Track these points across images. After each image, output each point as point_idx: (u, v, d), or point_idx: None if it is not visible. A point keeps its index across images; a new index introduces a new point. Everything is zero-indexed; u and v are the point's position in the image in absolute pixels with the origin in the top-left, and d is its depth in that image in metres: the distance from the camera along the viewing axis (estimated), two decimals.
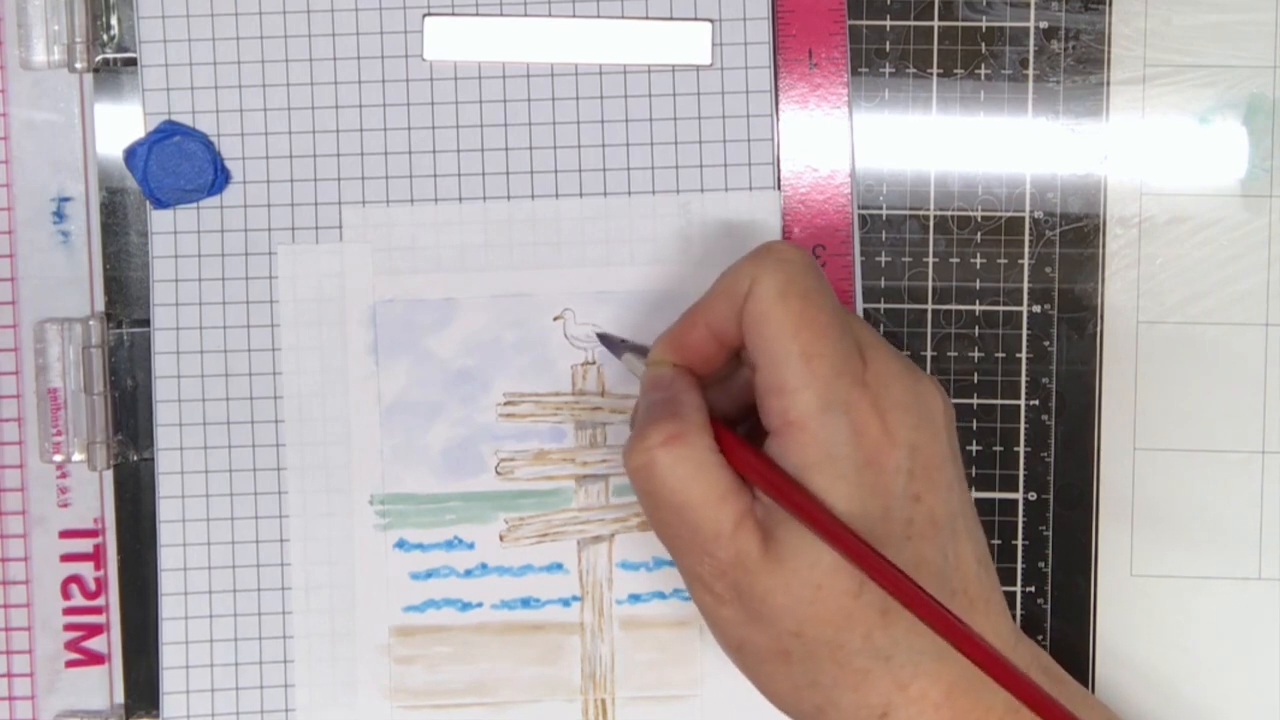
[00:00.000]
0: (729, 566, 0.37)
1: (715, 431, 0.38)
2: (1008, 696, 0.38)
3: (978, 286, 0.46)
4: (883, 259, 0.46)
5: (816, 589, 0.37)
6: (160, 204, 0.46)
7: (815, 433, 0.36)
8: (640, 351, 0.43)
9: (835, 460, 0.36)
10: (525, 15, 0.45)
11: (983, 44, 0.46)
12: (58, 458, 0.46)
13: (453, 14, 0.46)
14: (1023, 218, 0.46)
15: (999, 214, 0.46)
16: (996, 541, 0.46)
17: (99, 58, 0.46)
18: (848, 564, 0.36)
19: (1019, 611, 0.46)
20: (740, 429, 0.40)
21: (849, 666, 0.37)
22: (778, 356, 0.37)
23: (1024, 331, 0.46)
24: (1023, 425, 0.46)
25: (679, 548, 0.38)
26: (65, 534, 0.47)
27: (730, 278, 0.38)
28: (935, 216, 0.46)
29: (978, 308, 0.46)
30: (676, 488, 0.37)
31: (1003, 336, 0.46)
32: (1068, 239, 0.46)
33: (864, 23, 0.46)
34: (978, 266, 0.46)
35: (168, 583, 0.46)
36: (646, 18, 0.45)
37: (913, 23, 0.46)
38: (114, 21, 0.46)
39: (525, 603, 0.46)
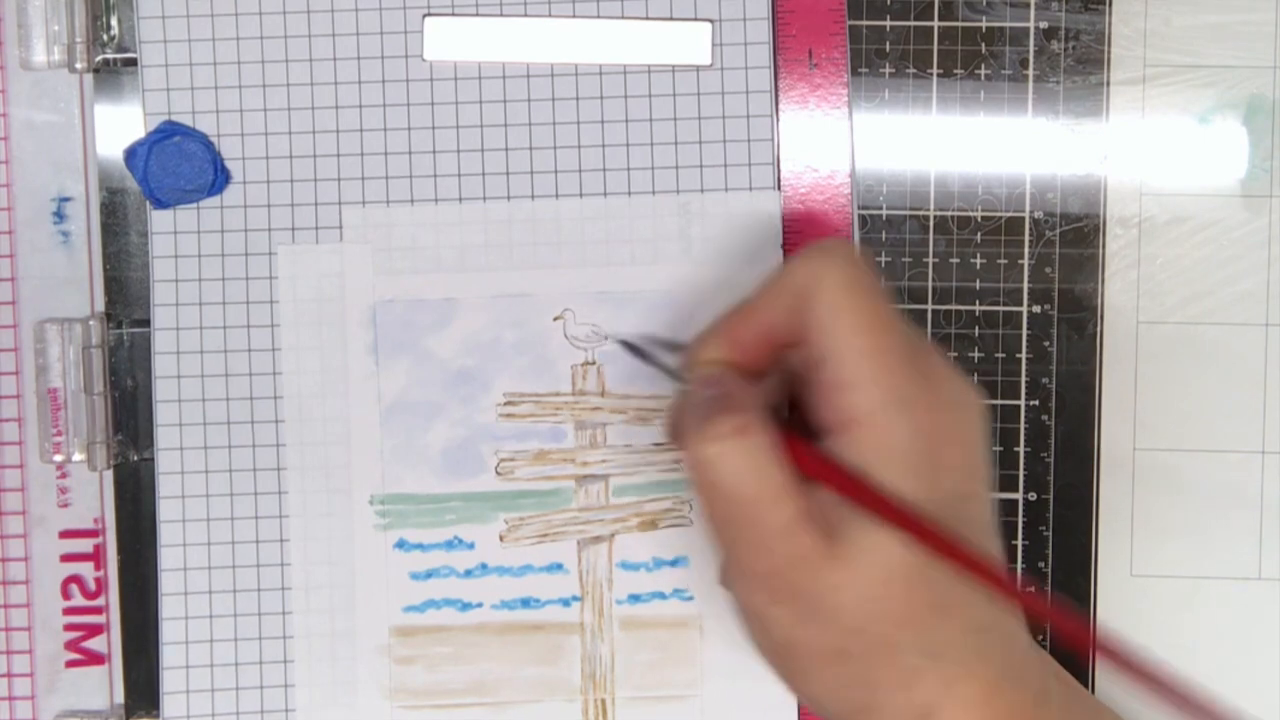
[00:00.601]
0: (788, 563, 0.37)
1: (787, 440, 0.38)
2: (1035, 691, 0.38)
3: (978, 287, 0.46)
4: (883, 259, 0.46)
5: (884, 585, 0.36)
6: (160, 204, 0.46)
7: (881, 429, 0.36)
8: (671, 348, 0.42)
9: (899, 457, 0.36)
10: (525, 15, 0.45)
11: (983, 44, 0.46)
12: (58, 458, 0.46)
13: (453, 14, 0.46)
14: (1023, 218, 0.46)
15: (999, 214, 0.46)
16: None
17: (99, 58, 0.46)
18: (912, 562, 0.36)
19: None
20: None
21: (901, 665, 0.37)
22: (845, 353, 0.37)
23: (1024, 331, 0.46)
24: (1022, 425, 0.46)
25: (736, 543, 0.38)
26: (65, 534, 0.47)
27: (790, 275, 0.38)
28: (935, 217, 0.46)
29: (978, 308, 0.46)
30: (741, 481, 0.37)
31: (1003, 337, 0.46)
32: (1068, 239, 0.46)
33: (864, 23, 0.46)
34: (978, 267, 0.46)
35: (168, 583, 0.46)
36: (646, 18, 0.45)
37: (913, 23, 0.46)
38: (114, 22, 0.46)
39: (525, 603, 0.46)
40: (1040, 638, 0.45)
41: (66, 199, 0.47)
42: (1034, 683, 0.38)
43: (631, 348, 0.45)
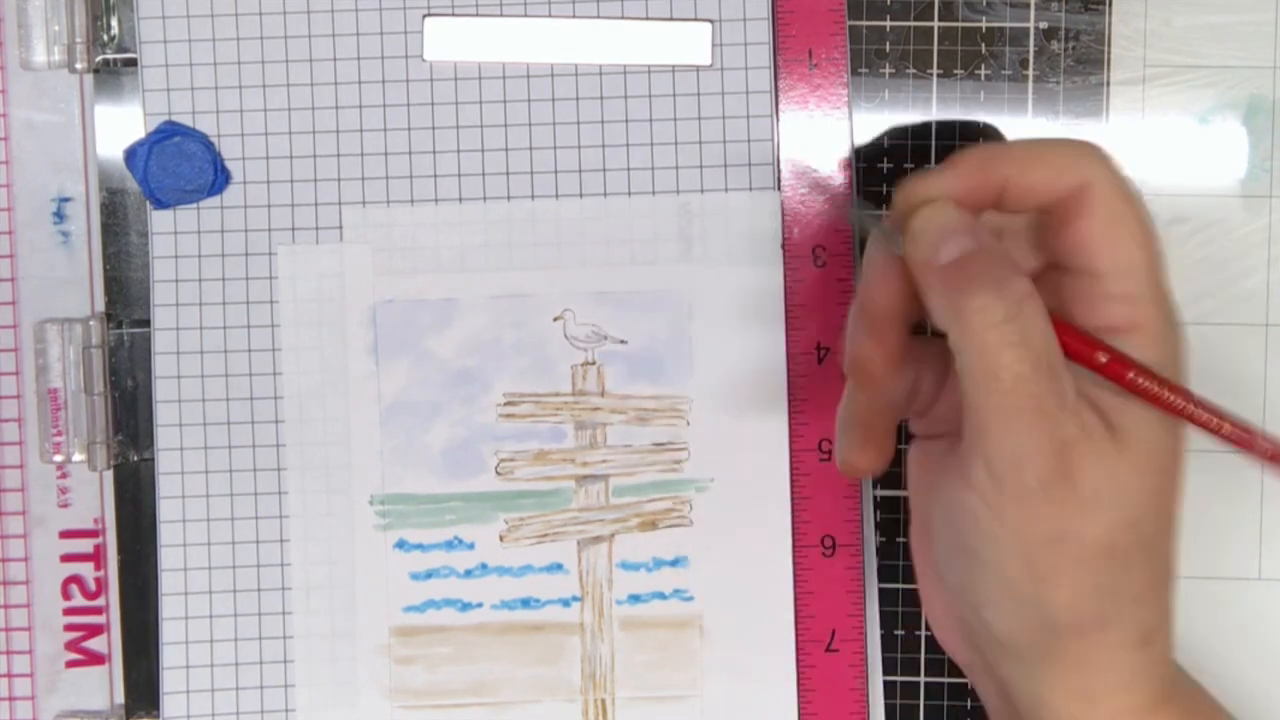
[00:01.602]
0: (1068, 441, 0.34)
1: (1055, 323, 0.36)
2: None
3: None
4: None
5: (1165, 477, 0.35)
6: (160, 204, 0.46)
7: (1161, 338, 0.36)
8: (877, 219, 0.38)
9: (1172, 367, 0.36)
10: (525, 16, 0.45)
11: (983, 45, 0.46)
12: (58, 458, 0.46)
13: (453, 14, 0.46)
14: None
15: None
16: None
17: (99, 58, 0.46)
18: (1174, 458, 0.36)
19: None
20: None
21: (1151, 575, 0.36)
22: (1126, 263, 0.35)
23: None
24: None
25: (1011, 412, 0.34)
26: (65, 534, 0.47)
27: (1054, 156, 0.36)
28: None
29: None
30: (1040, 342, 0.34)
31: None
32: None
33: (864, 23, 0.46)
34: None
35: (168, 583, 0.46)
36: (646, 18, 0.45)
37: (913, 23, 0.46)
38: (114, 22, 0.46)
39: (525, 603, 0.46)
40: None
41: (66, 199, 0.47)
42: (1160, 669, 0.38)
43: (850, 213, 0.43)
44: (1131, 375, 0.35)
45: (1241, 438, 0.35)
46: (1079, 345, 0.35)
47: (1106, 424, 0.35)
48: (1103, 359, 0.35)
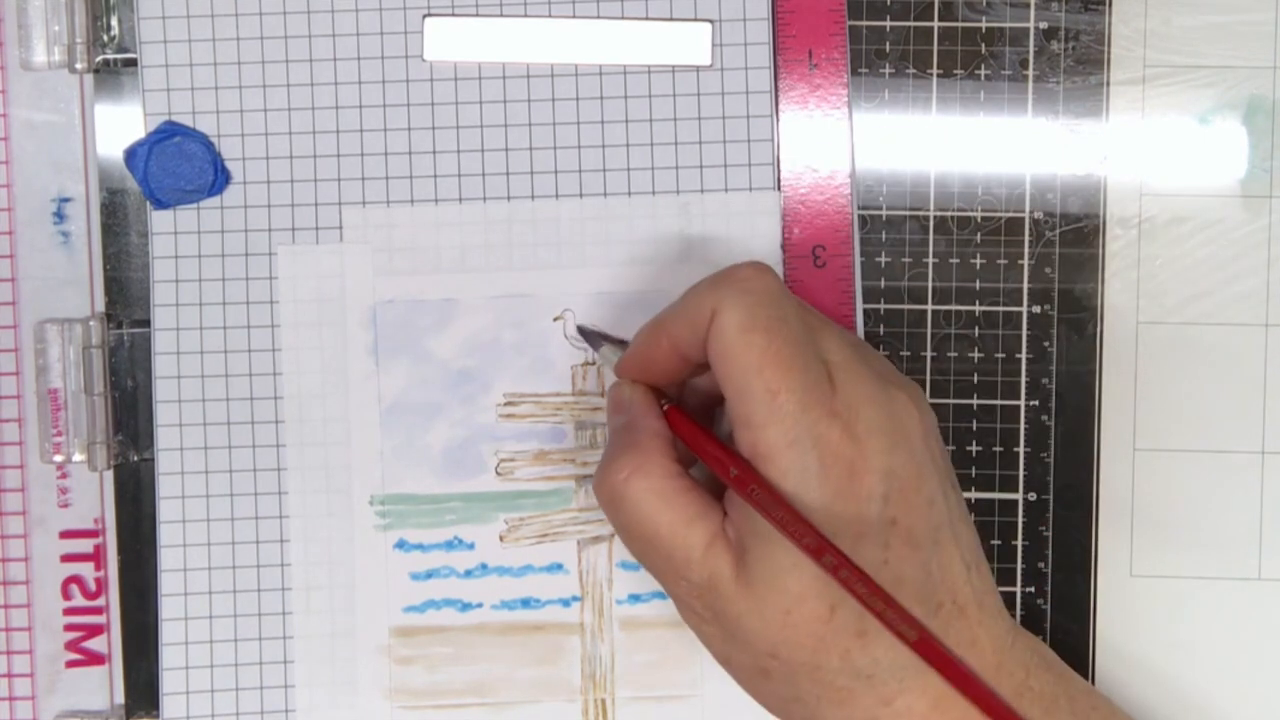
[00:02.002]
0: (703, 589, 0.38)
1: (689, 433, 0.39)
2: (1008, 689, 0.38)
3: (977, 287, 0.46)
4: (882, 259, 0.46)
5: (786, 614, 0.37)
6: (160, 204, 0.46)
7: (783, 467, 0.36)
8: (619, 345, 0.43)
9: (804, 492, 0.36)
10: (525, 16, 0.45)
11: (982, 45, 0.46)
12: (58, 458, 0.46)
13: (453, 14, 0.46)
14: (1023, 218, 0.46)
15: (999, 214, 0.46)
16: (996, 542, 0.46)
17: (99, 58, 0.46)
18: (817, 588, 0.36)
19: (1019, 612, 0.46)
20: (714, 417, 0.40)
21: (830, 685, 0.37)
22: (743, 391, 0.37)
23: (1024, 332, 0.46)
24: (1022, 426, 0.46)
25: (655, 571, 0.39)
26: (65, 534, 0.47)
27: (693, 302, 0.38)
28: (935, 217, 0.46)
29: (977, 308, 0.46)
30: (644, 518, 0.38)
31: (1002, 337, 0.46)
32: (1068, 239, 0.46)
33: (864, 23, 0.46)
34: (977, 267, 0.46)
35: (168, 583, 0.46)
36: (646, 18, 0.45)
37: (912, 23, 0.46)
38: (114, 22, 0.46)
39: (525, 603, 0.46)
40: (1040, 638, 0.45)
41: (66, 199, 0.47)
42: (1005, 681, 0.38)
43: (585, 333, 0.45)
44: (752, 489, 0.37)
45: (853, 584, 0.36)
46: (716, 461, 0.38)
47: (738, 565, 0.37)
48: (733, 472, 0.37)
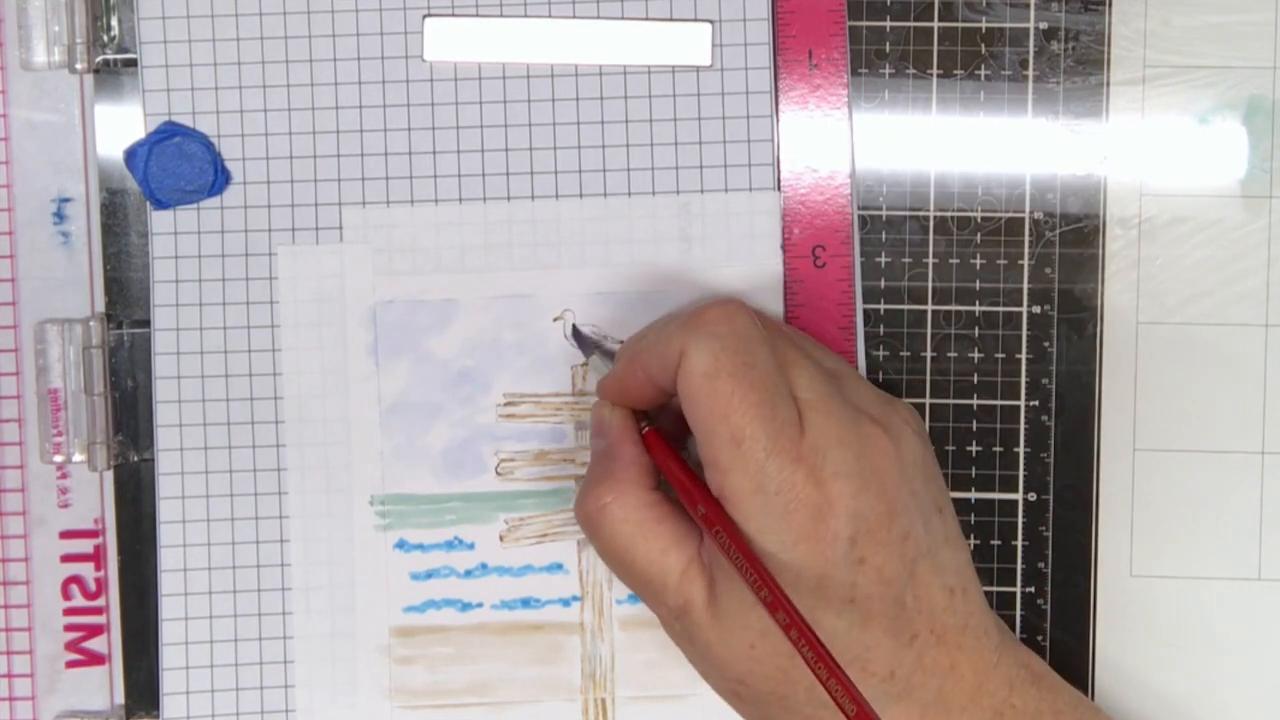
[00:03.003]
0: (678, 614, 0.39)
1: (664, 462, 0.39)
2: (987, 710, 0.39)
3: (977, 287, 0.46)
4: (882, 260, 0.46)
5: (750, 647, 0.37)
6: (160, 205, 0.46)
7: (747, 512, 0.37)
8: (608, 357, 0.43)
9: (766, 536, 0.36)
10: (525, 16, 0.45)
11: (982, 45, 0.46)
12: (58, 458, 0.46)
13: (453, 15, 0.46)
14: (1022, 218, 0.46)
15: (999, 214, 0.46)
16: (996, 542, 0.46)
17: (99, 59, 0.46)
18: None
19: (1018, 612, 0.46)
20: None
21: (798, 713, 0.38)
22: (708, 436, 0.37)
23: (1024, 332, 0.46)
24: (1022, 426, 0.46)
25: (635, 592, 0.40)
26: (65, 534, 0.47)
27: (663, 340, 0.38)
28: (935, 217, 0.46)
29: (977, 308, 0.46)
30: (621, 545, 0.39)
31: (1002, 337, 0.46)
32: (1067, 240, 0.46)
33: (864, 24, 0.46)
34: (977, 267, 0.46)
35: (168, 583, 0.46)
36: (646, 19, 0.45)
37: (912, 24, 0.46)
38: (114, 22, 0.46)
39: (525, 603, 0.46)
40: (1040, 639, 0.45)
41: (67, 199, 0.47)
42: (985, 702, 0.38)
43: (580, 337, 0.45)
44: (716, 531, 0.37)
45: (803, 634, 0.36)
46: (686, 495, 0.38)
47: (710, 593, 0.38)
48: (700, 510, 0.38)
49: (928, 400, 0.46)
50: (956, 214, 0.46)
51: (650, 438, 0.40)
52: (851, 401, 0.39)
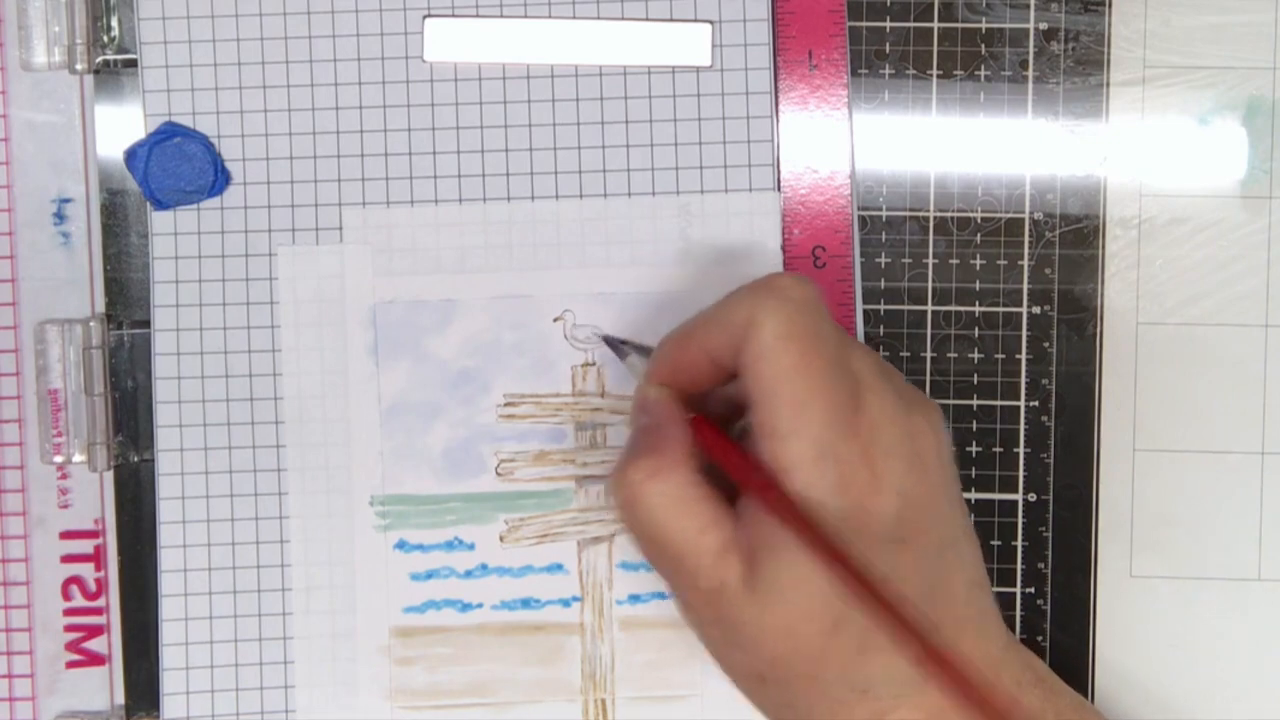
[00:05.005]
0: (710, 595, 0.38)
1: (714, 442, 0.38)
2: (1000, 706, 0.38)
3: (977, 288, 0.46)
4: (882, 260, 0.46)
5: (790, 626, 0.37)
6: (160, 205, 0.46)
7: (803, 480, 0.36)
8: (644, 352, 0.43)
9: (820, 507, 0.36)
10: (525, 17, 0.45)
11: (982, 45, 0.46)
12: (58, 459, 0.46)
13: (453, 15, 0.46)
14: (1022, 219, 0.46)
15: (999, 215, 0.46)
16: (996, 542, 0.46)
17: (99, 59, 0.46)
18: (823, 604, 0.36)
19: (1018, 612, 0.46)
20: (736, 430, 0.40)
21: (826, 696, 0.38)
22: (771, 400, 0.37)
23: (1024, 333, 0.46)
24: (1022, 426, 0.46)
25: (665, 574, 0.39)
26: (66, 535, 0.47)
27: (730, 309, 0.38)
28: (935, 218, 0.46)
29: (977, 309, 0.46)
30: (658, 522, 0.38)
31: (1002, 338, 0.46)
32: (1067, 240, 0.46)
33: (864, 24, 0.46)
34: (977, 268, 0.46)
35: (168, 584, 0.46)
36: (646, 19, 0.45)
37: (912, 24, 0.46)
38: (114, 23, 0.46)
39: (525, 603, 0.46)
40: (1040, 639, 0.45)
41: (67, 200, 0.47)
42: (998, 698, 0.38)
43: (610, 342, 0.45)
44: (775, 499, 0.36)
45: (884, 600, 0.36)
46: (740, 470, 0.38)
47: (747, 575, 0.37)
48: (757, 480, 0.37)
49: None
50: (956, 214, 0.46)
51: (698, 421, 0.40)
52: (898, 388, 0.39)
